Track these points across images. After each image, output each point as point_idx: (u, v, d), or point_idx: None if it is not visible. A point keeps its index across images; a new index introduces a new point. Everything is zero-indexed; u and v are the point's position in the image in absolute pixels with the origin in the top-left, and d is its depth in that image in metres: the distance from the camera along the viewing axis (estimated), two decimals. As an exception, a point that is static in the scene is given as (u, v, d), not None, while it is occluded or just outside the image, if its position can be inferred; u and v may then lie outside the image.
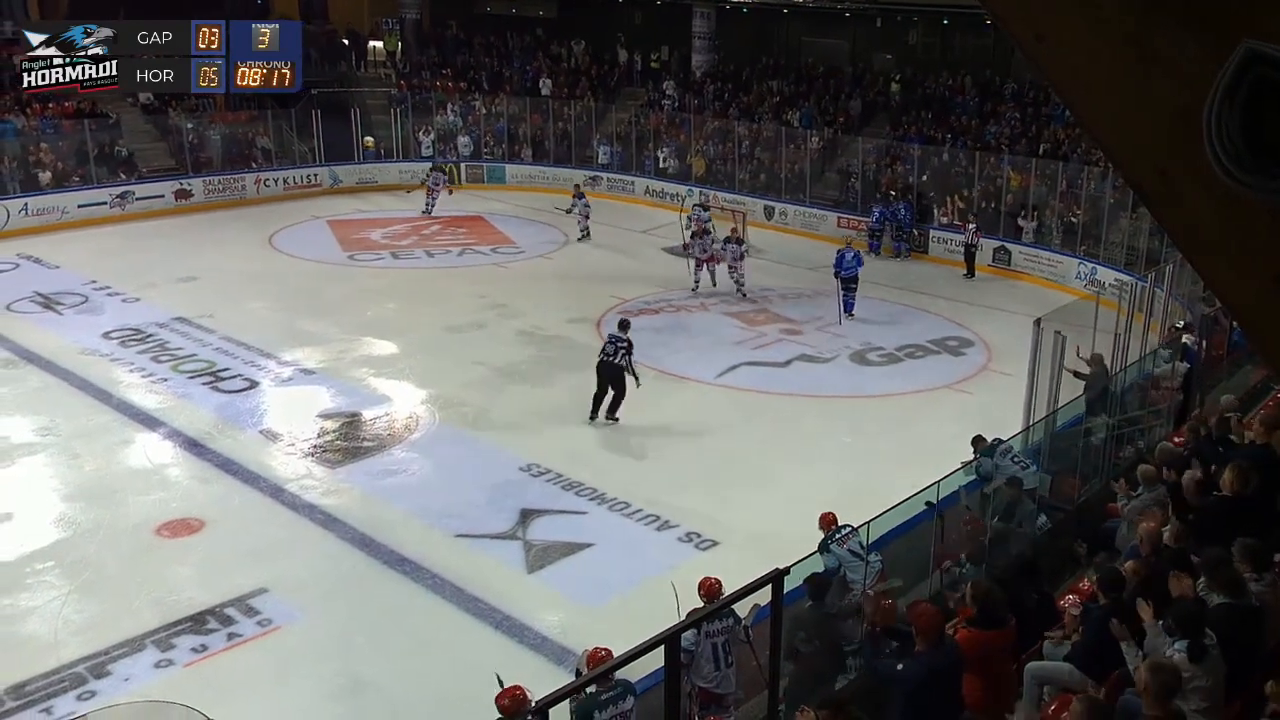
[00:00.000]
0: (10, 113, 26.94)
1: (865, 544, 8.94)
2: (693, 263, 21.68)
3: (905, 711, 6.46)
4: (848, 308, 20.09)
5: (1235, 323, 11.08)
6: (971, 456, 11.01)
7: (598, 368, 14.96)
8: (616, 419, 14.96)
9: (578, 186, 26.73)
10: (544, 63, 35.26)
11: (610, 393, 14.90)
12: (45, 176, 26.12)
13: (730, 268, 21.39)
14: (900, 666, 6.51)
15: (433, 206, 27.50)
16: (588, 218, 25.67)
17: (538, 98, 33.20)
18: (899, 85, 30.11)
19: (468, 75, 34.71)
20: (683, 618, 7.03)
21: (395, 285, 21.99)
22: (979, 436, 11.40)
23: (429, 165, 29.29)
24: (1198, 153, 1.96)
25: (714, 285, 21.60)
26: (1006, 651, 6.82)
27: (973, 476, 10.65)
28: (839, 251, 20.58)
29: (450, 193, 28.16)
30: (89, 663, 9.51)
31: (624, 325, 15.34)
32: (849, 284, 20.14)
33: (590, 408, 14.97)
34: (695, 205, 25.25)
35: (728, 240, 21.55)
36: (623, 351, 14.82)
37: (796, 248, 25.56)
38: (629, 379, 14.81)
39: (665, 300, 20.75)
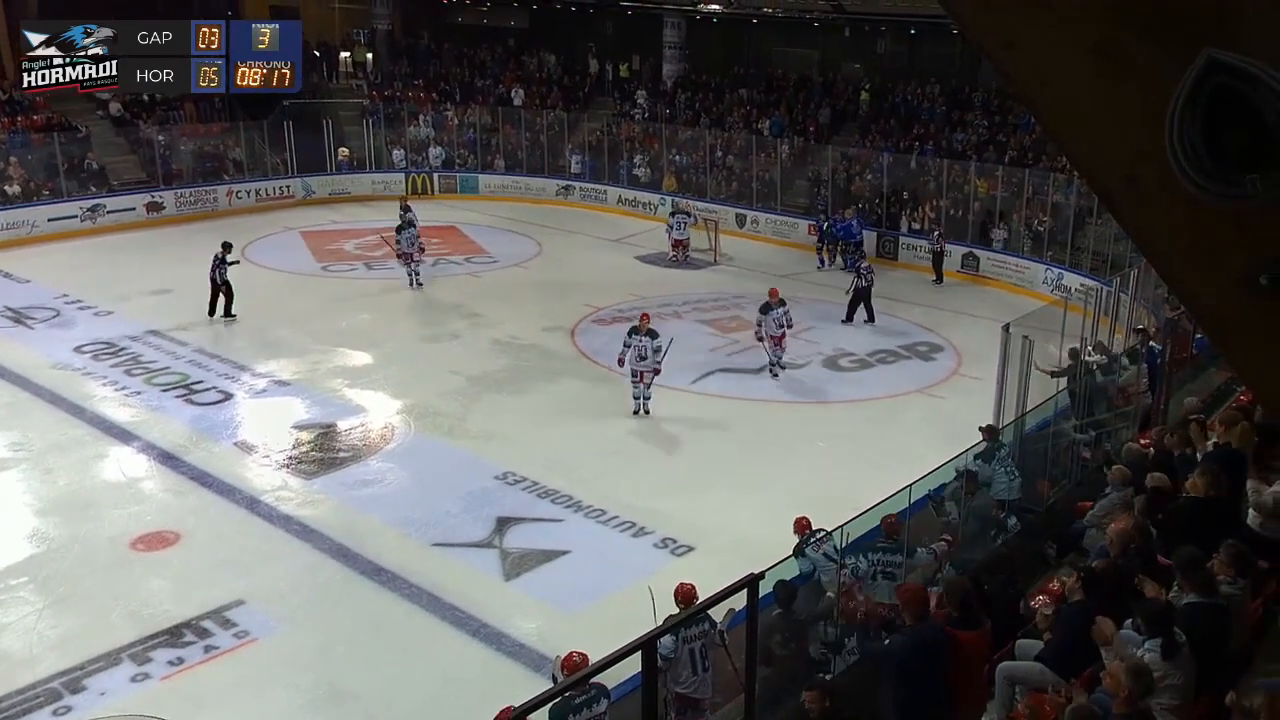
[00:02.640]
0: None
1: (840, 548, 9.02)
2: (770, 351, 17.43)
3: (896, 684, 6.55)
4: (852, 265, 23.20)
5: (1198, 326, 11.25)
6: (975, 446, 10.97)
7: (857, 291, 20.24)
8: (874, 319, 20.23)
9: (403, 200, 26.56)
10: (516, 73, 35.29)
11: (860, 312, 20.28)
12: (14, 190, 25.89)
13: (769, 338, 17.13)
14: (886, 642, 6.61)
15: (418, 274, 22.39)
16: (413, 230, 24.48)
17: (510, 108, 33.26)
18: (868, 94, 30.37)
19: (439, 86, 34.70)
20: (659, 622, 7.08)
21: (369, 296, 21.93)
22: (991, 426, 11.44)
23: (398, 225, 22.73)
24: (1162, 159, 2.00)
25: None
26: (980, 654, 6.90)
27: (949, 478, 10.70)
28: (842, 217, 25.20)
29: (423, 249, 22.81)
30: (64, 678, 9.45)
31: (861, 257, 22.82)
32: (855, 247, 24.07)
33: (850, 315, 20.30)
34: (675, 214, 25.40)
35: (768, 307, 17.01)
36: (870, 276, 20.33)
37: (768, 255, 25.71)
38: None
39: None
